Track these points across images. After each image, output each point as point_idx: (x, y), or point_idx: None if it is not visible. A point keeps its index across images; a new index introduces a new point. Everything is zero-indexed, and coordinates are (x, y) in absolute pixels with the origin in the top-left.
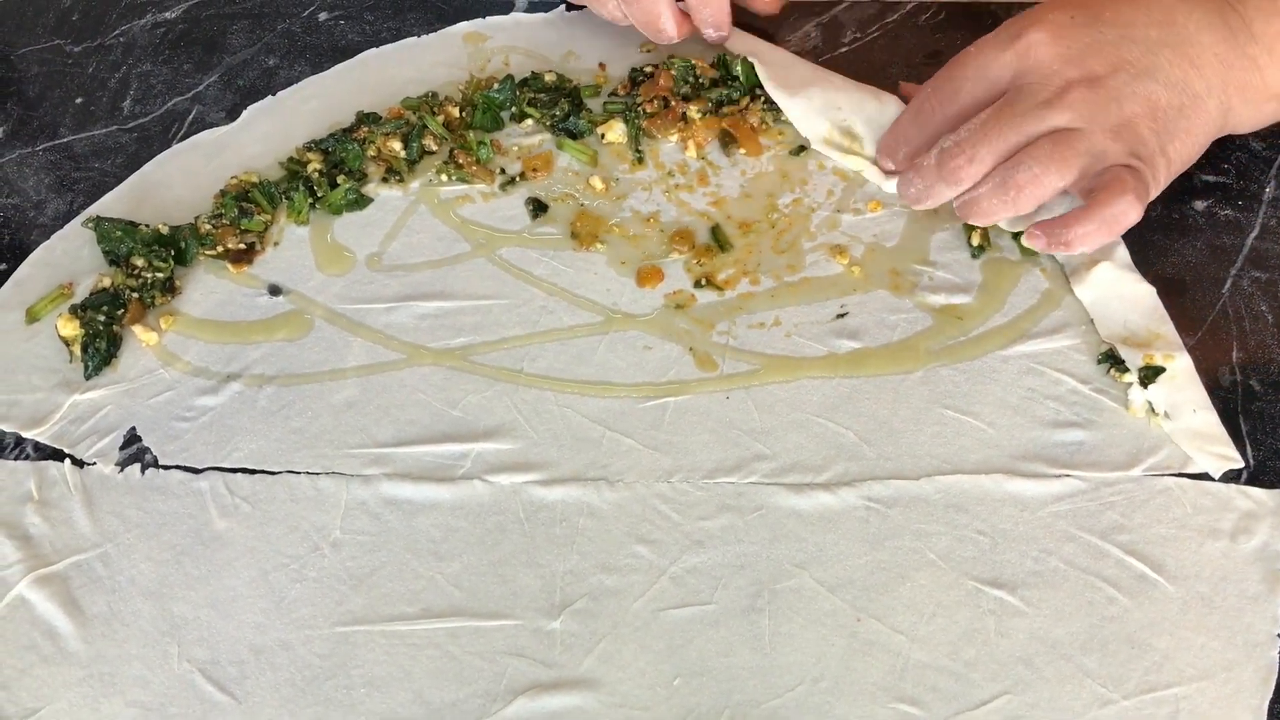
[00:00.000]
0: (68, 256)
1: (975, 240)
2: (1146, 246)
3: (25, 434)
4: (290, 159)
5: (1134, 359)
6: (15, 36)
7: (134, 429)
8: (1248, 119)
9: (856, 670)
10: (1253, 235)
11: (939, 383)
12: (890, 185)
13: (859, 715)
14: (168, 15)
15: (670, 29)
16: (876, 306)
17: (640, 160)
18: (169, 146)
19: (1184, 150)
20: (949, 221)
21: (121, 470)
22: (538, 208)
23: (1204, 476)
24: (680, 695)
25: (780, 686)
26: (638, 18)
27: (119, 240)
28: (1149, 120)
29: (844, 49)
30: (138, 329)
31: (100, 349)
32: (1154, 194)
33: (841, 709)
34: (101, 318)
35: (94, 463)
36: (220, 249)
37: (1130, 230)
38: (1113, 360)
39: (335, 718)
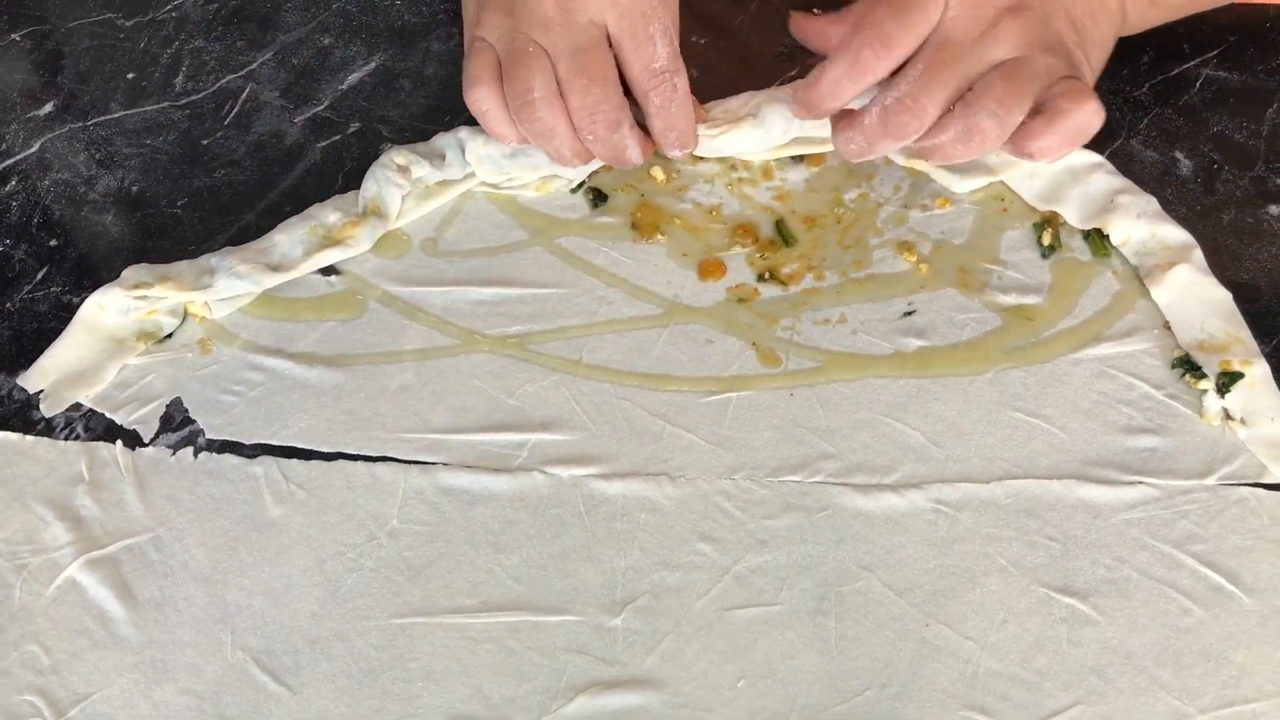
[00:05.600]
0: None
1: (1046, 240)
2: (1220, 251)
3: (68, 393)
4: None
5: (1210, 365)
6: (66, 10)
7: (178, 399)
8: (1136, 20)
9: (925, 676)
10: None
11: (1009, 385)
12: (962, 186)
13: None
14: None
15: (637, 157)
16: (945, 305)
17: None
18: (222, 124)
19: (1100, 56)
20: (1018, 220)
21: (174, 453)
22: (597, 197)
23: None
24: (745, 697)
25: (847, 691)
26: (603, 154)
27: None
28: (1072, 32)
29: None
30: (190, 305)
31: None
32: None
33: (910, 715)
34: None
35: (146, 445)
36: None
37: (1203, 234)
38: (1187, 366)
39: (393, 710)
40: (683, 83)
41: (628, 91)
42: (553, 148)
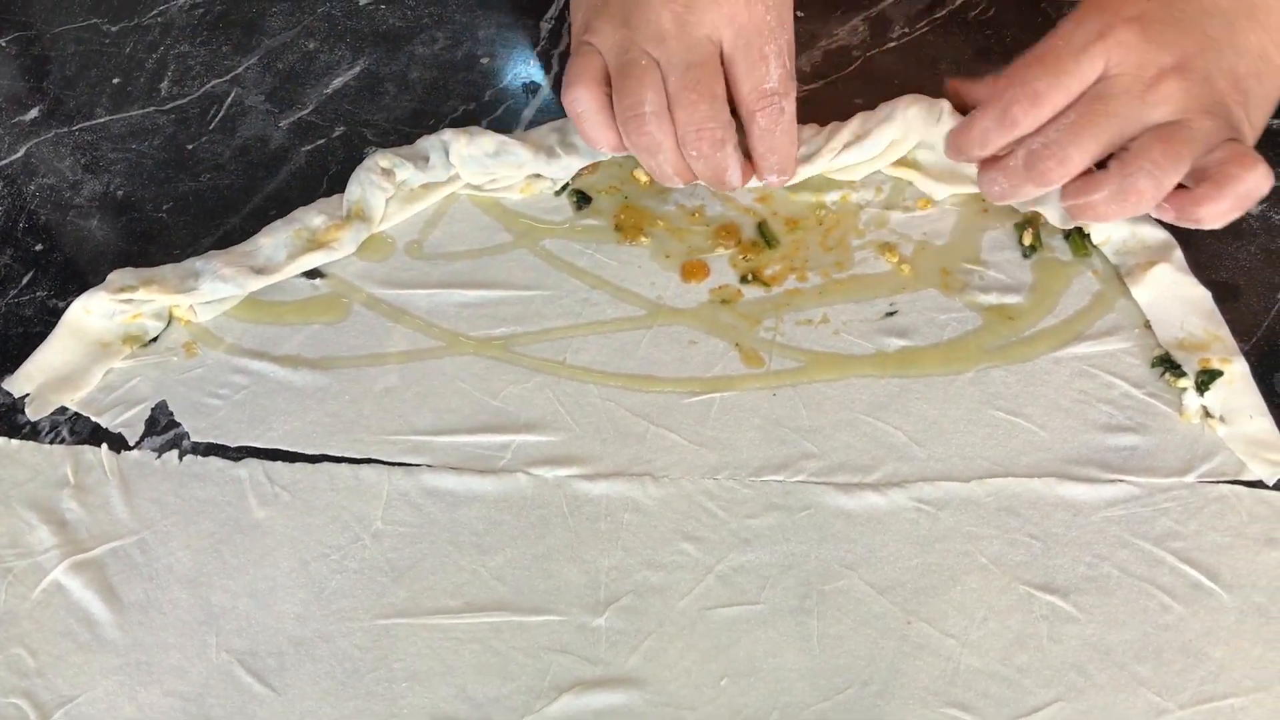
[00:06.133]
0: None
1: (1027, 240)
2: (1199, 250)
3: (54, 397)
4: None
5: (1189, 363)
6: (52, 16)
7: (163, 403)
8: None
9: (906, 674)
10: None
11: (990, 384)
12: (941, 191)
13: (909, 719)
14: None
15: (736, 180)
16: (926, 305)
17: None
18: (207, 129)
19: (1263, 116)
20: (999, 220)
21: (159, 456)
22: (581, 200)
23: (1259, 484)
24: (727, 695)
25: (829, 689)
26: (703, 172)
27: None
28: (1235, 92)
29: (892, 44)
30: (176, 309)
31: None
32: None
33: (892, 713)
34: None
35: (131, 448)
36: None
37: (1183, 234)
38: (1167, 364)
39: (377, 711)
40: (790, 107)
41: (735, 114)
42: (655, 164)
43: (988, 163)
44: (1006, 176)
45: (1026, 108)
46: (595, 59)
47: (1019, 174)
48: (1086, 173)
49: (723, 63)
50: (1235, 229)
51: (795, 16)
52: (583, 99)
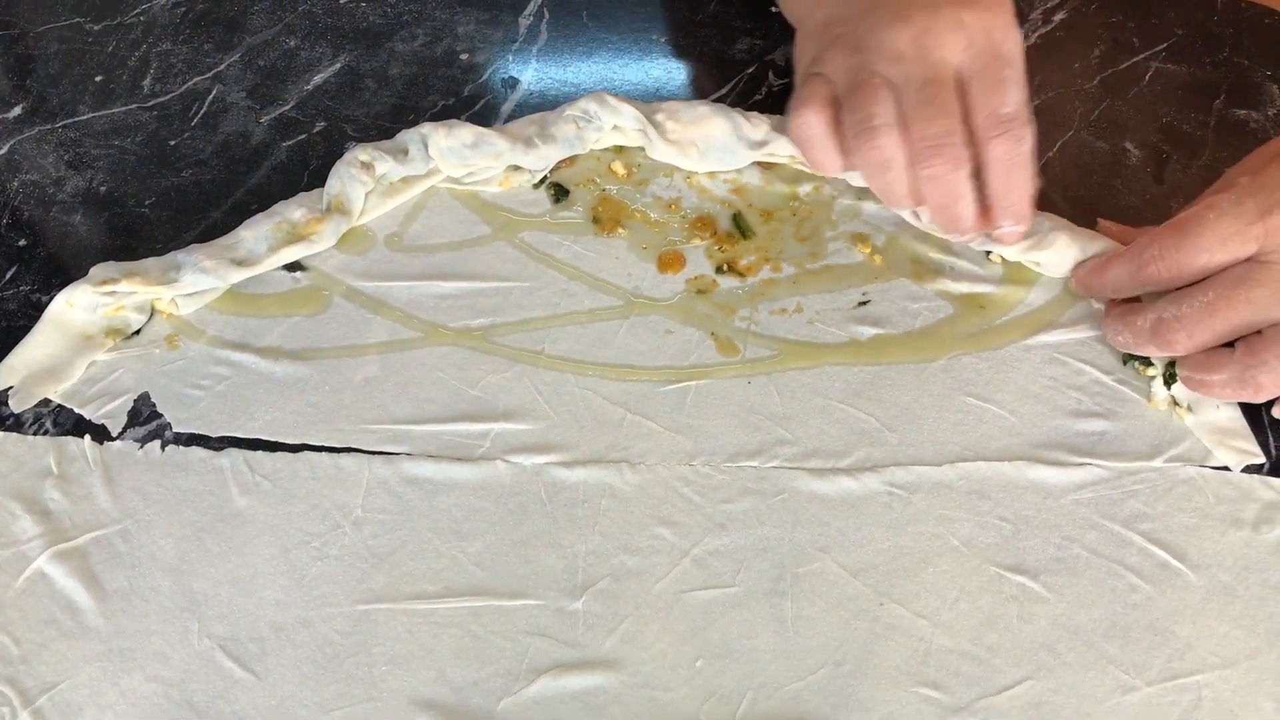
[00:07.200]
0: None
1: (993, 258)
2: None
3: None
4: None
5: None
6: (35, 14)
7: (145, 394)
8: None
9: (879, 654)
10: None
11: (961, 370)
12: (902, 215)
13: (881, 699)
14: None
15: (969, 213)
16: (898, 295)
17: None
18: (189, 125)
19: None
20: None
21: (142, 447)
22: (559, 193)
23: (1226, 467)
24: (703, 677)
25: (803, 669)
26: (936, 198)
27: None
28: None
29: None
30: (158, 302)
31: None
32: None
33: (864, 692)
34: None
35: (114, 439)
36: None
37: (1153, 223)
38: (1136, 355)
39: (357, 694)
40: (1029, 140)
41: None
42: (885, 183)
43: (1117, 310)
44: (1132, 334)
45: (1163, 268)
46: (823, 84)
47: (1144, 336)
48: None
49: (957, 89)
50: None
51: (770, 11)
52: (811, 122)
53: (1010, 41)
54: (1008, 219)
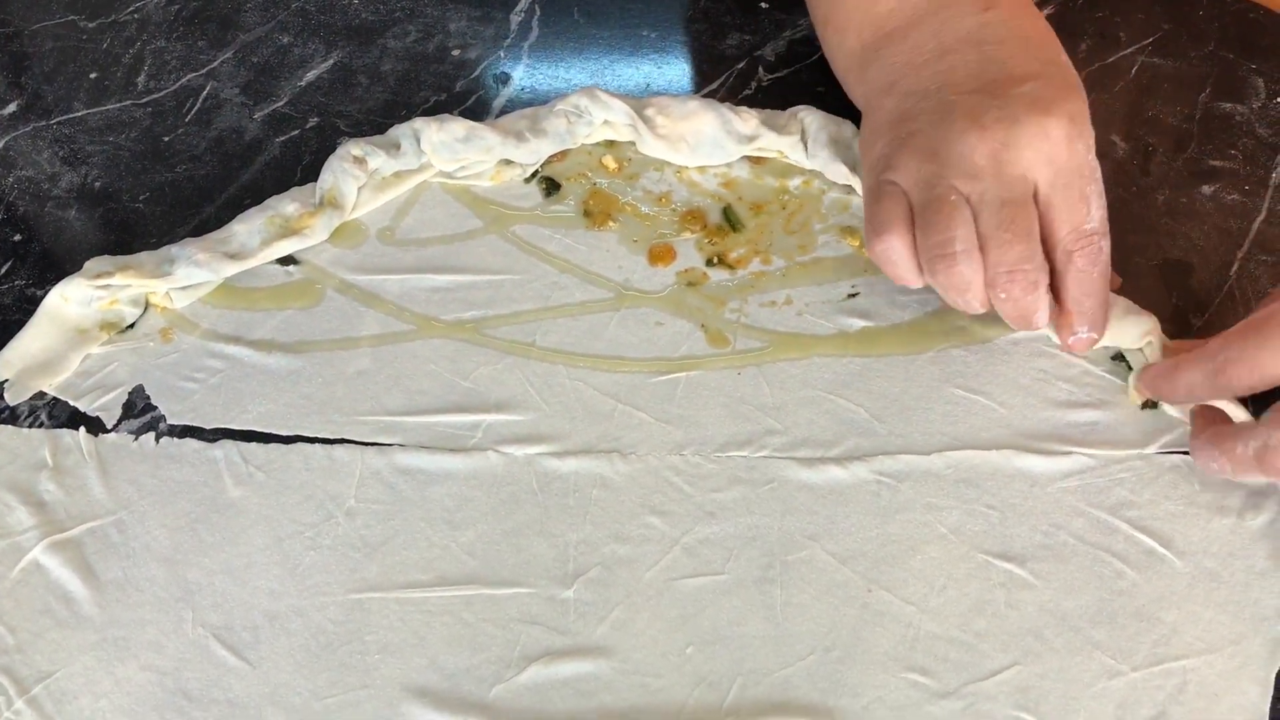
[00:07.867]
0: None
1: None
2: (1155, 230)
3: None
4: None
5: (1136, 359)
6: (30, 12)
7: (140, 387)
8: None
9: (867, 640)
10: (1259, 220)
11: (950, 362)
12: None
13: (870, 684)
14: None
15: (1043, 321)
16: (887, 287)
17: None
18: (183, 121)
19: None
20: None
21: (136, 439)
22: (550, 186)
23: None
24: (693, 663)
25: (792, 655)
26: (1009, 312)
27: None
28: None
29: None
30: (152, 295)
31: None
32: None
33: (853, 678)
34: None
35: (109, 431)
36: None
37: (1139, 214)
38: (1120, 357)
39: (350, 682)
40: (1108, 248)
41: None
42: (963, 300)
43: (1207, 435)
44: (1231, 461)
45: (1247, 376)
46: (901, 201)
47: (1248, 464)
48: None
49: (1037, 204)
50: (1189, 210)
51: (760, 7)
52: (895, 247)
53: (1091, 152)
54: (1083, 327)
